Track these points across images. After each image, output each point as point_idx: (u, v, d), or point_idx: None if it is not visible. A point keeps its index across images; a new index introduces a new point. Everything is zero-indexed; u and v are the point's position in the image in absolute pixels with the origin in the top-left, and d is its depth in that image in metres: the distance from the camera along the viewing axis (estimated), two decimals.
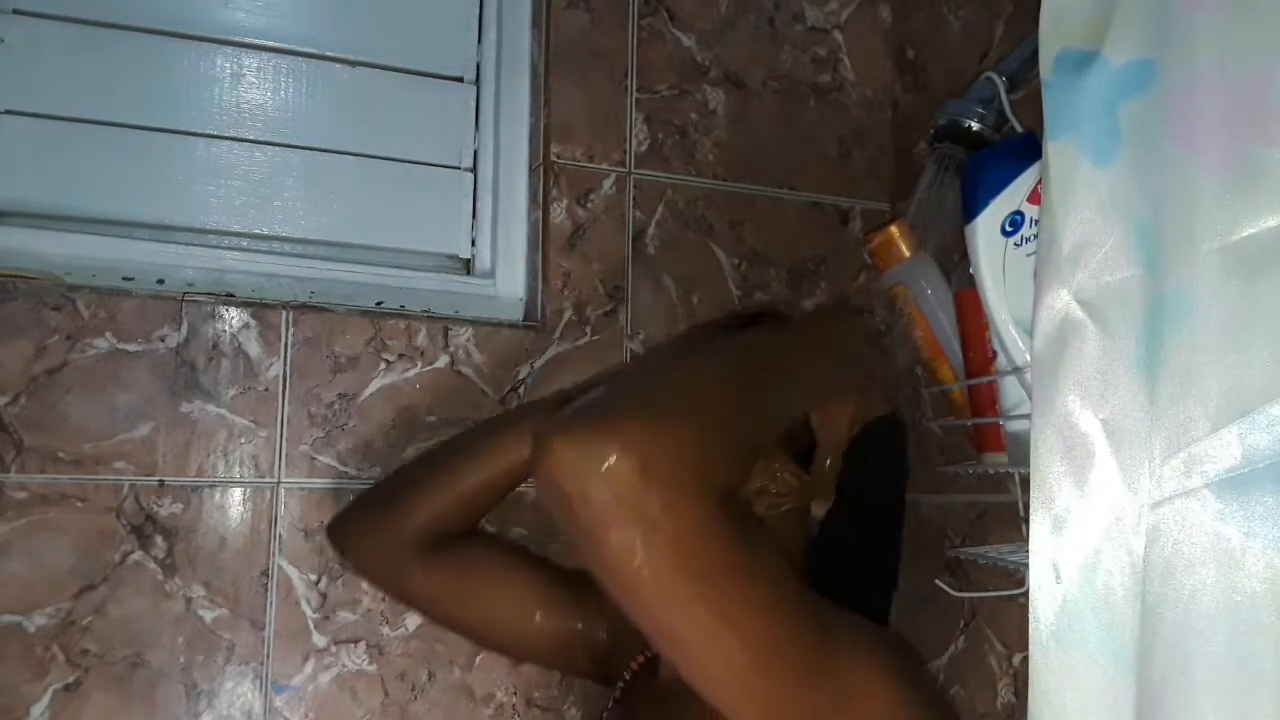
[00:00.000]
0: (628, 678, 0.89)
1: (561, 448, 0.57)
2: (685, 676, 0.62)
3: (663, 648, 0.62)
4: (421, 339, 1.12)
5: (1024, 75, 0.94)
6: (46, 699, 0.97)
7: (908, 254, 0.99)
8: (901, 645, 0.73)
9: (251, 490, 1.05)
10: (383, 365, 1.10)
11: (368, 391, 1.09)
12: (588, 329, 1.17)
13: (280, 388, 1.06)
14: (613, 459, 0.55)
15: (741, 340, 0.80)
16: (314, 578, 1.06)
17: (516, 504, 1.11)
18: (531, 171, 1.24)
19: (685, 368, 0.71)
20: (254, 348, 1.06)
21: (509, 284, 1.23)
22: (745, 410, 0.67)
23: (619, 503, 0.55)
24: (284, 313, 1.07)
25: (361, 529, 0.98)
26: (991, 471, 0.96)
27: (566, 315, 1.17)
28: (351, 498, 1.04)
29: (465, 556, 0.95)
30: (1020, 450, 0.90)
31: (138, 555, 1.00)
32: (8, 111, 1.07)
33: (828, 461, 0.84)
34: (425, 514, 0.93)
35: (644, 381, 0.70)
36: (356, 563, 1.01)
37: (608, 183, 1.20)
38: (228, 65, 1.15)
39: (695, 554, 0.58)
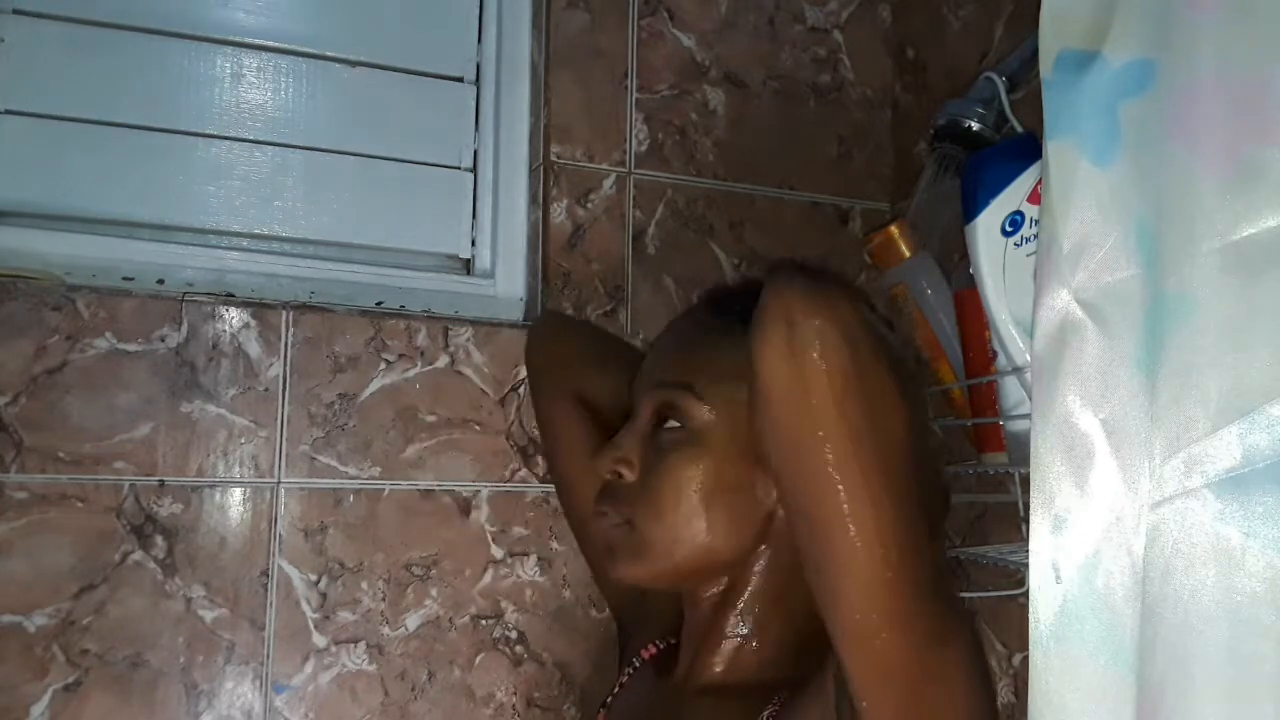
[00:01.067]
0: (637, 665, 0.88)
1: (795, 285, 0.62)
2: (807, 546, 0.64)
3: (809, 507, 0.63)
4: (421, 339, 1.12)
5: (1024, 75, 0.94)
6: (46, 699, 0.97)
7: (908, 254, 0.99)
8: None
9: (251, 490, 1.05)
10: (383, 365, 1.10)
11: (368, 391, 1.09)
12: None
13: (280, 388, 1.06)
14: (841, 303, 0.62)
15: None
16: (314, 578, 1.06)
17: (516, 502, 1.12)
18: (531, 171, 1.24)
19: None
20: (254, 348, 1.06)
21: (509, 284, 1.23)
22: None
23: (839, 335, 0.60)
24: (284, 313, 1.07)
25: (554, 348, 1.06)
26: (991, 472, 0.96)
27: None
28: (570, 317, 1.15)
29: (602, 427, 0.96)
30: (1020, 450, 0.90)
31: (138, 555, 1.00)
32: (8, 111, 1.07)
33: None
34: (597, 398, 0.98)
35: None
36: (531, 360, 1.09)
37: (608, 183, 1.20)
38: (228, 65, 1.15)
39: (886, 416, 0.62)
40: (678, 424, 0.77)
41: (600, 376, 0.99)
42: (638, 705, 0.85)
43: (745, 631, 0.77)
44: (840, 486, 0.60)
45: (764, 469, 0.75)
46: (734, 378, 0.74)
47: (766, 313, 0.62)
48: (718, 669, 0.78)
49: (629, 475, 0.78)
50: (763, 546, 0.76)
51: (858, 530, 0.60)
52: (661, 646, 0.88)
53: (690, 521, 0.75)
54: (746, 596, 0.77)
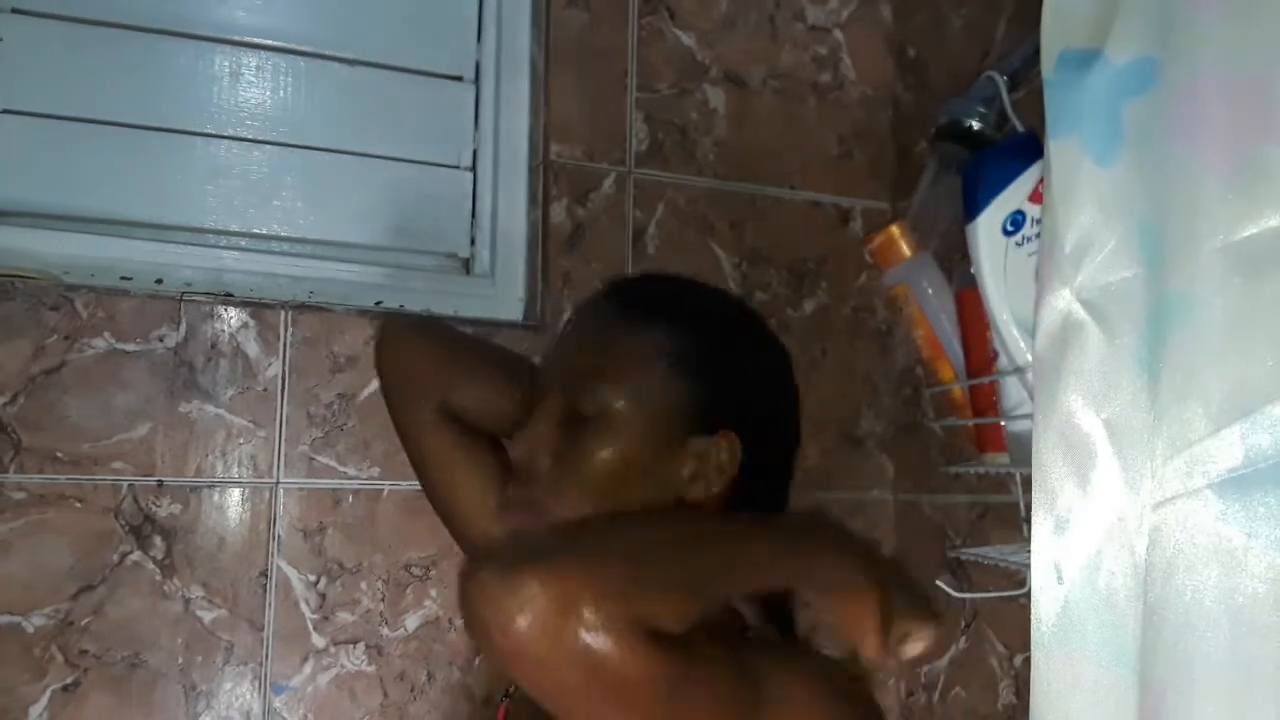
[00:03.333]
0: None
1: (485, 578, 0.57)
2: None
3: None
4: None
5: (1025, 74, 0.94)
6: (45, 699, 0.96)
7: (909, 254, 0.99)
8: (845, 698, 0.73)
9: (250, 490, 1.04)
10: None
11: (367, 391, 1.09)
12: None
13: (279, 388, 1.06)
14: (534, 591, 0.56)
15: (696, 513, 0.79)
16: (313, 578, 1.05)
17: None
18: (531, 171, 1.24)
19: (627, 520, 0.73)
20: (253, 347, 1.06)
21: (508, 284, 1.23)
22: (690, 560, 0.67)
23: (540, 635, 0.56)
24: (283, 312, 1.07)
25: (411, 357, 0.97)
26: (993, 472, 0.95)
27: (566, 315, 1.16)
28: (417, 318, 1.07)
29: (472, 440, 0.93)
30: (1022, 450, 0.90)
31: (136, 556, 1.00)
32: (6, 111, 1.07)
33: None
34: (474, 404, 0.93)
35: (581, 530, 0.72)
36: (384, 372, 0.99)
37: (608, 182, 1.19)
38: (226, 64, 1.15)
39: (616, 690, 0.58)
40: (588, 413, 0.77)
41: (468, 382, 0.94)
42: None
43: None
44: None
45: (672, 450, 0.76)
46: (640, 365, 0.77)
47: (470, 631, 0.60)
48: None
49: (544, 462, 0.79)
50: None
51: None
52: None
53: (604, 501, 0.76)
54: None
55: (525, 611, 0.55)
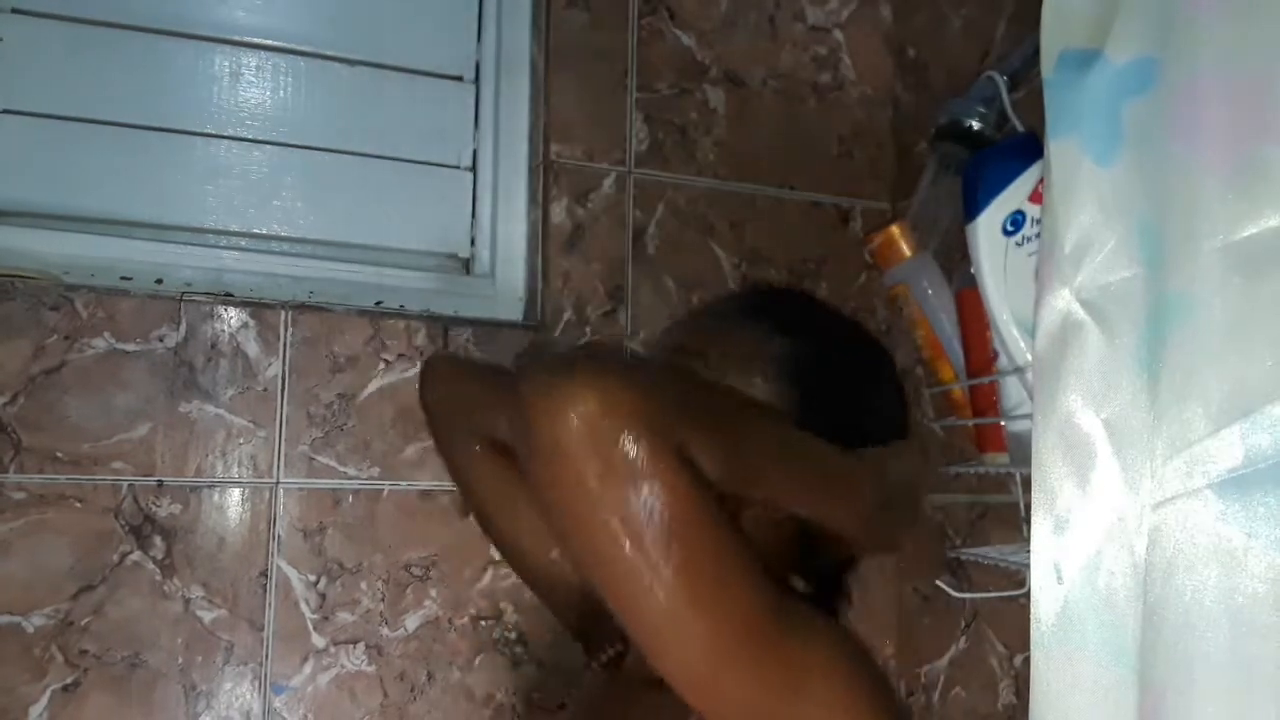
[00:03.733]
0: (599, 664, 0.89)
1: (532, 381, 0.58)
2: (627, 627, 0.61)
3: (606, 600, 0.61)
4: (421, 339, 1.12)
5: (1025, 74, 0.94)
6: (45, 699, 0.96)
7: (909, 254, 0.99)
8: (864, 658, 0.72)
9: (250, 490, 1.04)
10: (382, 365, 1.10)
11: (367, 391, 1.09)
12: (588, 329, 1.17)
13: (279, 388, 1.06)
14: (577, 394, 0.56)
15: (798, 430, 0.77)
16: (313, 578, 1.05)
17: None
18: (531, 171, 1.24)
19: (695, 375, 0.73)
20: (253, 347, 1.06)
21: (509, 284, 1.23)
22: (743, 429, 0.67)
23: (586, 439, 0.56)
24: (283, 312, 1.07)
25: (455, 391, 0.96)
26: (993, 472, 0.96)
27: (566, 315, 1.16)
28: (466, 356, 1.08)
29: (510, 468, 0.93)
30: (1021, 450, 0.90)
31: (136, 556, 1.00)
32: (6, 111, 1.07)
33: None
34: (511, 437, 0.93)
35: (648, 363, 0.71)
36: (429, 404, 0.99)
37: (607, 182, 1.19)
38: (226, 64, 1.15)
39: (647, 501, 0.57)
40: None
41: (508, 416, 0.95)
42: (590, 699, 0.86)
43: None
44: (621, 582, 0.59)
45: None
46: (745, 359, 0.76)
47: (517, 415, 0.59)
48: None
49: None
50: None
51: (654, 617, 0.59)
52: (620, 648, 0.89)
53: None
54: None
55: (575, 406, 0.55)
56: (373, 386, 1.09)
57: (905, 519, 0.78)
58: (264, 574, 1.04)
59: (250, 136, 1.15)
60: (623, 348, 0.73)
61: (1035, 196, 0.83)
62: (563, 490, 0.58)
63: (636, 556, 0.57)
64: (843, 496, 0.74)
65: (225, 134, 1.15)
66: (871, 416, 0.81)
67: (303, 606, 1.05)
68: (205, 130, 1.14)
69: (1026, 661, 0.66)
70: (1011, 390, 0.89)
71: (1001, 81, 0.92)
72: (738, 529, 0.63)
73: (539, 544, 0.94)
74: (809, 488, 0.73)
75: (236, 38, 1.15)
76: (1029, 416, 0.68)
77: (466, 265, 1.24)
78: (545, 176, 1.18)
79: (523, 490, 0.94)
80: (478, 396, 0.96)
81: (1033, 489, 0.66)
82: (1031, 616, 0.65)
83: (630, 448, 0.56)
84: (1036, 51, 0.69)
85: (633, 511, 0.57)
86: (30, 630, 0.97)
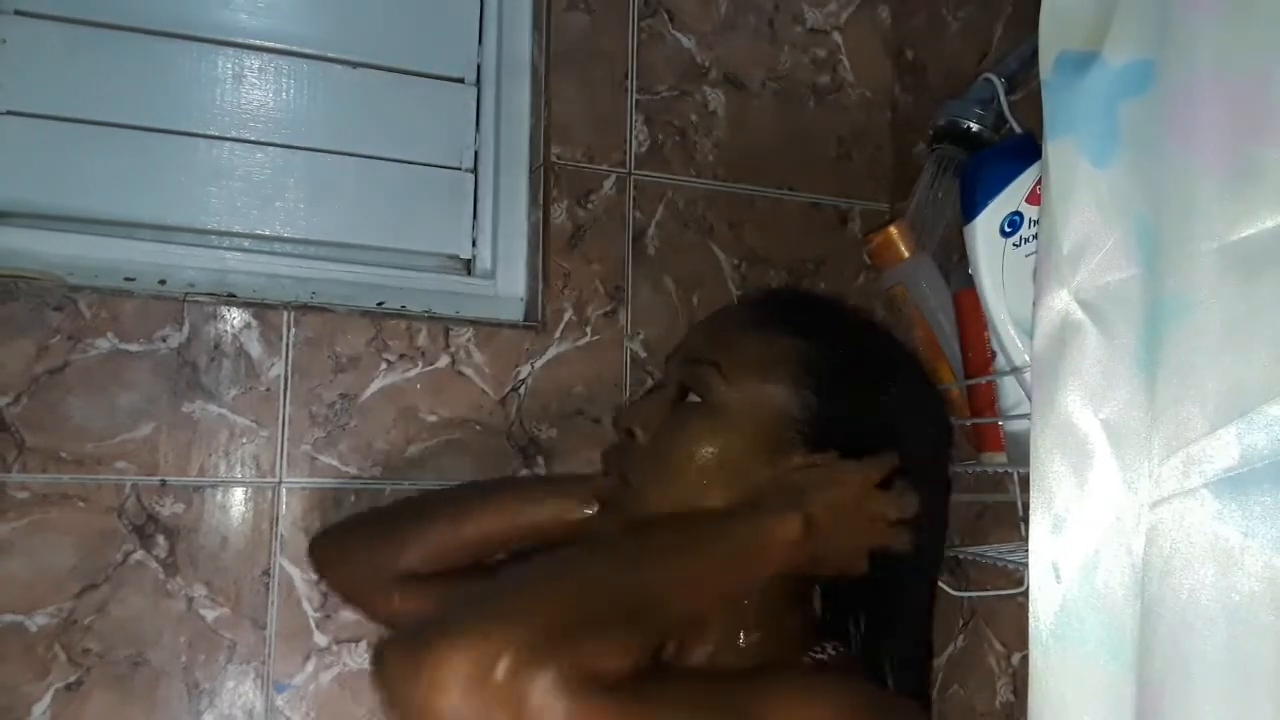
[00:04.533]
0: None
1: (394, 652, 0.54)
2: None
3: None
4: (422, 339, 1.12)
5: (1023, 76, 0.94)
6: (48, 698, 0.97)
7: (907, 254, 0.99)
8: None
9: (253, 490, 1.05)
10: (384, 365, 1.10)
11: (369, 391, 1.10)
12: (588, 329, 1.18)
13: (282, 388, 1.07)
14: (449, 658, 0.52)
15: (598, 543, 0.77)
16: (315, 577, 1.06)
17: None
18: (532, 172, 1.24)
19: (544, 565, 0.68)
20: (255, 348, 1.06)
21: (509, 284, 1.23)
22: (624, 590, 0.65)
23: (465, 702, 0.51)
24: (285, 313, 1.08)
25: (345, 565, 0.97)
26: (990, 471, 0.96)
27: (567, 315, 1.17)
28: (334, 523, 1.04)
29: (449, 588, 0.90)
30: (1019, 450, 0.90)
31: (139, 555, 1.01)
32: (9, 112, 1.07)
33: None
34: (415, 562, 0.90)
35: (495, 587, 0.66)
36: (339, 585, 0.99)
37: (608, 183, 1.20)
38: (229, 66, 1.15)
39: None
40: (699, 398, 0.78)
41: (400, 545, 0.91)
42: None
43: (727, 622, 0.78)
44: None
45: (773, 460, 0.76)
46: (760, 366, 0.77)
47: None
48: (702, 658, 0.78)
49: (641, 436, 0.80)
50: None
51: None
52: None
53: (688, 488, 0.76)
54: None
55: (445, 681, 0.51)
56: (375, 386, 1.10)
57: (859, 530, 0.76)
58: (266, 573, 1.04)
59: (253, 138, 1.16)
60: (466, 595, 0.67)
61: (1033, 198, 0.83)
62: None
63: None
64: (743, 553, 0.71)
65: (228, 136, 1.15)
66: (894, 414, 0.81)
67: (305, 605, 1.05)
68: (208, 132, 1.14)
69: (1024, 660, 0.66)
70: (1009, 390, 0.90)
71: (999, 83, 0.93)
72: (665, 696, 0.61)
73: None
74: (709, 577, 0.70)
75: (239, 40, 1.16)
76: (1027, 416, 0.69)
77: (468, 266, 1.25)
78: (546, 178, 1.19)
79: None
80: (363, 552, 0.94)
81: (1031, 488, 0.66)
82: (1030, 615, 0.66)
83: (523, 701, 0.52)
84: (1034, 53, 0.70)
85: None
86: (33, 629, 0.97)
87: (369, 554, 0.94)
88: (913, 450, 0.80)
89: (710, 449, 0.76)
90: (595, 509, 0.84)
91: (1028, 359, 0.80)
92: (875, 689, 0.74)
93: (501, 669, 0.52)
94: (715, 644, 0.78)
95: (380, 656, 0.56)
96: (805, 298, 0.92)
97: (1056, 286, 0.65)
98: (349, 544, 0.98)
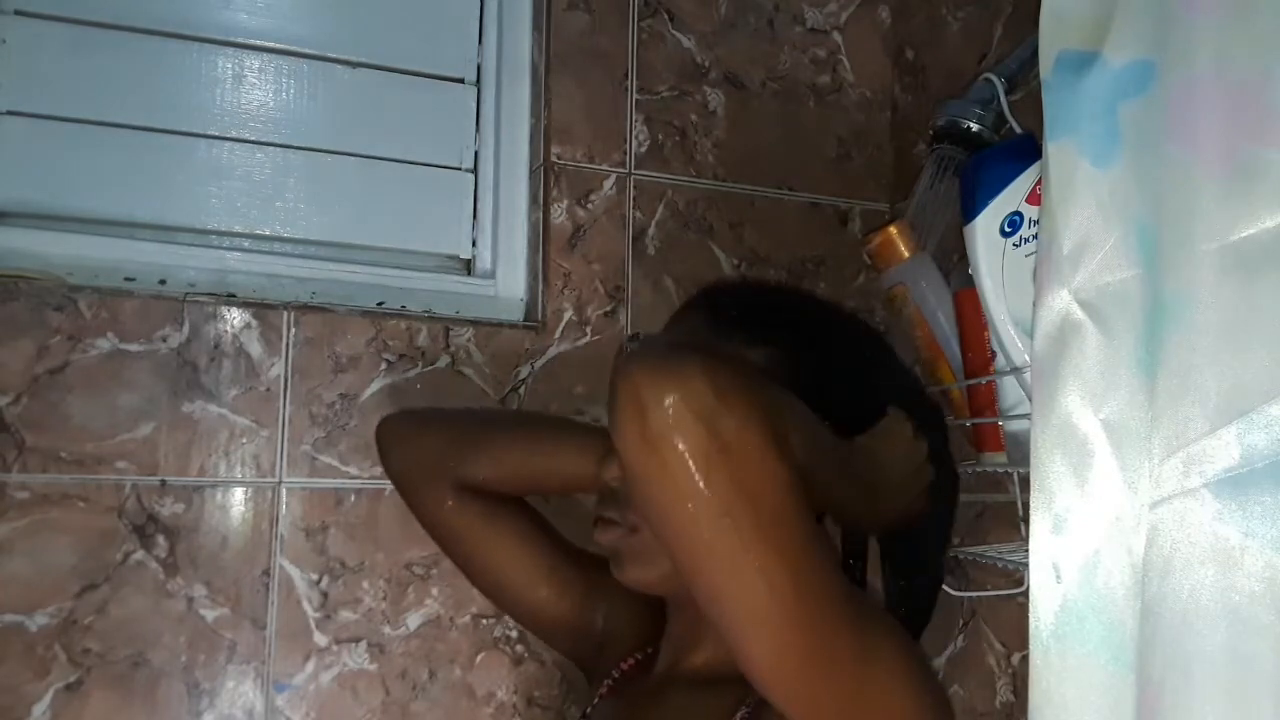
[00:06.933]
0: (616, 676, 0.89)
1: (642, 364, 0.59)
2: (707, 609, 0.62)
3: (694, 577, 0.61)
4: (422, 339, 1.12)
5: (1023, 76, 0.94)
6: (48, 698, 0.97)
7: (907, 254, 0.99)
8: (921, 653, 0.72)
9: (253, 490, 1.05)
10: (384, 365, 1.10)
11: (369, 391, 1.10)
12: (588, 329, 1.18)
13: (282, 388, 1.07)
14: (692, 376, 0.57)
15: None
16: (315, 577, 1.06)
17: None
18: (532, 172, 1.24)
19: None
20: (255, 348, 1.06)
21: (510, 284, 1.23)
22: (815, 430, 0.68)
23: (692, 414, 0.57)
24: (285, 313, 1.08)
25: (420, 441, 0.97)
26: (990, 471, 0.96)
27: (567, 315, 1.17)
28: (412, 408, 1.06)
29: (496, 510, 0.94)
30: (1019, 450, 0.90)
31: (139, 555, 1.01)
32: (9, 112, 1.07)
33: None
34: (488, 470, 0.92)
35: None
36: (397, 466, 0.99)
37: (608, 183, 1.20)
38: (229, 66, 1.15)
39: (756, 481, 0.59)
40: None
41: (475, 453, 0.93)
42: (618, 706, 0.86)
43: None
44: (720, 558, 0.59)
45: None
46: None
47: (616, 399, 0.60)
48: (699, 664, 0.79)
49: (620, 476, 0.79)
50: None
51: (748, 595, 0.59)
52: (639, 658, 0.89)
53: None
54: None
55: (683, 387, 0.57)
56: (374, 386, 1.10)
57: (890, 495, 0.77)
58: (266, 573, 1.05)
59: (253, 138, 1.16)
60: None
61: (1033, 198, 0.83)
62: (668, 470, 0.58)
63: (739, 536, 0.58)
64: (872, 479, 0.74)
65: (228, 135, 1.15)
66: (884, 389, 0.81)
67: (305, 605, 1.05)
68: (208, 132, 1.14)
69: (1024, 660, 0.67)
70: (1009, 390, 0.90)
71: (999, 83, 0.93)
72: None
73: (529, 581, 0.94)
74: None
75: (239, 40, 1.16)
76: (1027, 416, 0.69)
77: (468, 266, 1.25)
78: (546, 178, 1.19)
79: (505, 529, 0.94)
80: (440, 443, 0.95)
81: (1031, 488, 0.66)
82: (1030, 615, 0.66)
83: (743, 428, 0.57)
84: (1034, 53, 0.69)
85: (742, 491, 0.58)
86: (33, 629, 0.97)
87: (442, 447, 0.95)
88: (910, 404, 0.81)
89: None
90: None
91: (1028, 359, 0.80)
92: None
93: (733, 398, 0.58)
94: (712, 650, 0.78)
95: (633, 360, 0.60)
96: (757, 299, 0.91)
97: (1056, 286, 0.65)
98: (426, 432, 0.98)
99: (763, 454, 0.58)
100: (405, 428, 0.99)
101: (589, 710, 0.88)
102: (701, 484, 0.57)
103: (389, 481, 1.08)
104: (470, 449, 0.94)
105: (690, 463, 0.57)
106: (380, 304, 1.16)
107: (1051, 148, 0.66)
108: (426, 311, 1.16)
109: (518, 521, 0.95)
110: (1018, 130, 0.92)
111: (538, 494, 0.98)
